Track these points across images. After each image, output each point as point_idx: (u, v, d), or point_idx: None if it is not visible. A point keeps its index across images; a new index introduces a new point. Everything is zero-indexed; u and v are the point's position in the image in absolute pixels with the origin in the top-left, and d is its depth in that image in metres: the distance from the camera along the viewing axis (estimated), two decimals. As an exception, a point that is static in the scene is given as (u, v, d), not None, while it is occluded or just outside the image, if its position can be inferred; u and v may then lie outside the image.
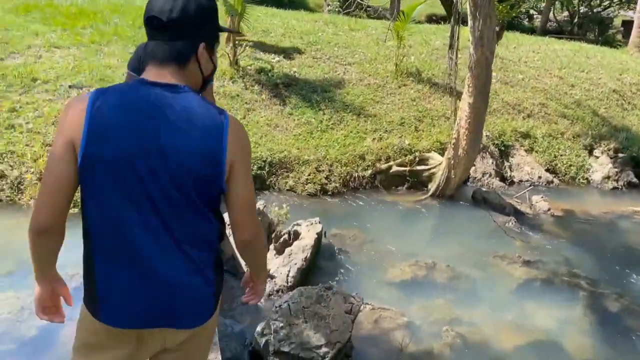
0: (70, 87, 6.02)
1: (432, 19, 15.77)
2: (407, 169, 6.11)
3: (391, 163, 6.13)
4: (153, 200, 1.36)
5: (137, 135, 1.33)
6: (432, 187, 5.99)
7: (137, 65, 2.82)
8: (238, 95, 6.69)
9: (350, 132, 6.50)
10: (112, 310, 1.44)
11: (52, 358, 3.07)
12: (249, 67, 7.32)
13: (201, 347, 1.67)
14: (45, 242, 1.41)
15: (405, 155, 6.25)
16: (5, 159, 4.83)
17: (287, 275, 3.86)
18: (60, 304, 1.56)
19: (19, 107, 5.45)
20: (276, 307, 3.04)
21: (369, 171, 6.04)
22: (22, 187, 4.70)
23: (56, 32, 7.52)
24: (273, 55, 7.96)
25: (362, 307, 3.31)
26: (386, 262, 4.47)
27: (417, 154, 6.27)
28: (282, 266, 3.92)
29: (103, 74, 6.40)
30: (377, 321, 3.56)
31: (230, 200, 1.46)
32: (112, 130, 1.32)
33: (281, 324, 2.93)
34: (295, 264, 3.92)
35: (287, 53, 8.12)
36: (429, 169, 6.11)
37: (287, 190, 5.64)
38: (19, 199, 4.66)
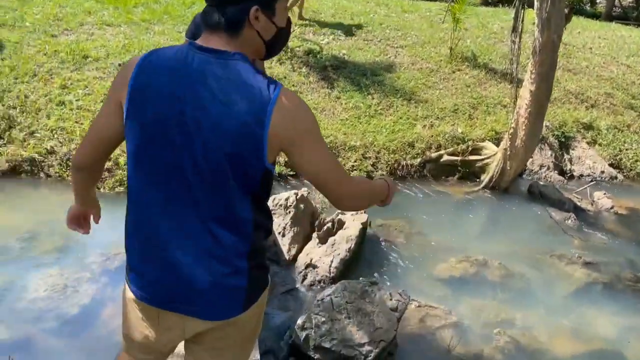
0: (119, 65, 6.03)
1: (487, 2, 15.09)
2: (459, 158, 5.82)
3: (442, 152, 5.86)
4: (184, 171, 1.28)
5: (174, 101, 1.25)
6: (485, 178, 5.68)
7: (194, 32, 2.78)
8: (285, 77, 6.55)
9: (400, 118, 6.25)
10: (134, 280, 1.44)
11: (92, 338, 3.06)
12: (297, 49, 7.15)
13: (233, 347, 1.53)
14: (80, 177, 1.55)
15: (458, 144, 5.95)
16: (55, 135, 4.87)
17: (330, 266, 3.72)
18: (89, 220, 1.73)
19: (70, 84, 5.50)
20: (318, 300, 2.90)
21: (418, 159, 5.78)
22: (70, 163, 4.73)
23: (108, 10, 7.58)
24: (322, 36, 7.76)
25: (408, 304, 3.12)
26: (434, 256, 4.25)
27: (470, 143, 5.96)
28: (324, 256, 3.78)
29: (152, 53, 6.37)
30: (424, 319, 3.37)
31: (308, 178, 1.36)
32: (151, 93, 1.27)
33: (323, 319, 2.79)
34: (339, 254, 3.77)
35: (337, 35, 7.89)
36: (483, 160, 5.79)
37: (333, 176, 5.47)
38: (67, 176, 4.70)
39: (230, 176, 1.26)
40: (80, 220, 1.70)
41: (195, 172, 1.27)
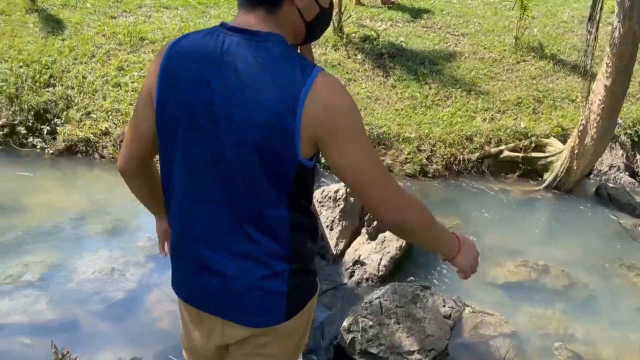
0: (175, 48, 6.03)
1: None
2: (521, 155, 5.47)
3: (502, 147, 5.52)
4: (214, 165, 1.16)
5: (202, 88, 1.13)
6: (548, 177, 5.32)
7: None
8: (339, 64, 6.37)
9: (458, 110, 5.94)
10: (175, 277, 1.38)
11: (135, 324, 3.05)
12: (353, 35, 6.94)
13: (274, 358, 1.38)
14: (130, 183, 1.41)
15: (520, 140, 5.59)
16: (110, 117, 4.92)
17: (379, 264, 3.55)
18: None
19: (126, 65, 5.54)
20: (366, 302, 2.75)
21: (476, 154, 5.48)
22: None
23: (166, -7, 7.60)
24: (379, 22, 7.50)
25: (462, 312, 2.92)
26: (490, 259, 4.00)
27: (533, 139, 5.58)
28: (374, 253, 3.62)
29: (207, 36, 6.34)
30: (478, 327, 3.16)
31: (342, 177, 1.17)
32: (180, 80, 1.16)
33: (370, 322, 2.64)
34: (389, 252, 3.60)
35: (395, 21, 7.61)
36: (547, 157, 5.43)
37: (385, 168, 5.27)
38: (120, 157, 4.74)
39: (261, 171, 1.13)
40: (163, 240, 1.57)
41: (225, 166, 1.15)
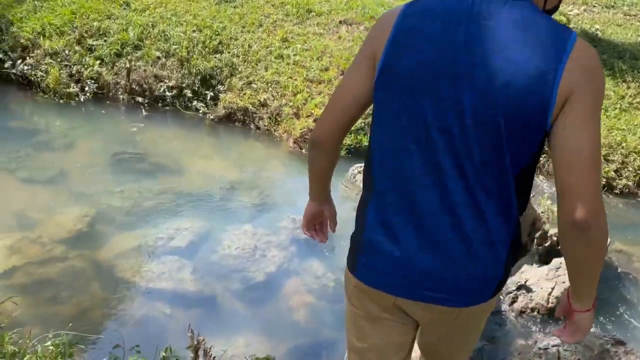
0: (340, 22, 5.81)
1: None
2: None
3: None
4: (449, 133, 1.08)
5: (445, 48, 1.06)
6: None
7: None
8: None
9: (663, 117, 4.92)
10: (369, 262, 1.24)
11: (272, 311, 2.90)
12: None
13: (464, 332, 1.32)
14: (316, 154, 1.35)
15: None
16: (270, 89, 4.85)
17: (549, 294, 2.98)
18: (326, 224, 1.53)
19: (291, 37, 5.44)
20: (540, 348, 2.25)
21: (682, 173, 4.48)
22: (279, 119, 4.67)
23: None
24: (570, 6, 6.52)
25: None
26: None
27: None
28: (544, 279, 3.05)
29: (375, 12, 6.03)
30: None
31: (558, 151, 1.03)
32: (418, 38, 1.09)
33: (544, 375, 2.14)
34: (563, 282, 2.99)
35: (590, 5, 6.56)
36: None
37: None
38: (274, 131, 4.66)
39: (502, 141, 1.05)
40: (316, 224, 1.52)
41: (462, 134, 1.07)
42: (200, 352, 2.01)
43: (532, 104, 1.02)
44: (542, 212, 3.55)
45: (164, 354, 1.83)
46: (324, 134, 1.29)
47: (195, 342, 2.03)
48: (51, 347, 1.69)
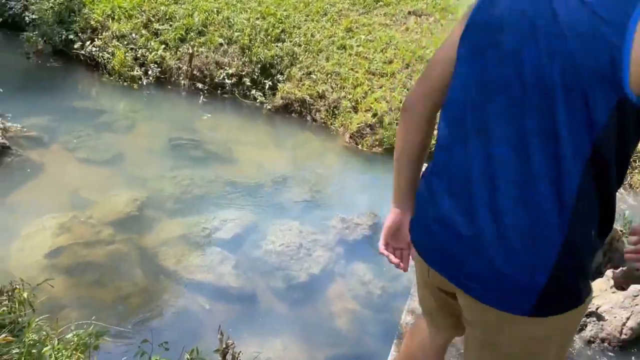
0: (409, 13, 5.54)
1: None
2: None
3: None
4: (509, 90, 0.99)
5: (530, 4, 0.98)
6: None
7: None
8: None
9: None
10: (415, 227, 1.18)
11: (312, 315, 2.75)
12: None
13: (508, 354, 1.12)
14: (407, 125, 1.22)
15: None
16: (329, 80, 4.69)
17: (624, 324, 2.64)
18: (407, 250, 1.31)
19: (355, 27, 5.24)
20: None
21: None
22: (336, 112, 4.50)
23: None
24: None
25: None
26: None
27: None
28: (619, 307, 2.71)
29: (447, 3, 5.71)
30: None
31: None
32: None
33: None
34: (642, 312, 2.65)
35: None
36: None
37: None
38: (331, 124, 4.49)
39: (587, 112, 0.92)
40: (395, 246, 1.31)
41: (522, 93, 0.97)
42: (229, 357, 1.90)
43: (604, 62, 0.90)
44: (617, 226, 3.17)
45: (188, 356, 1.72)
46: (417, 97, 1.20)
47: (224, 346, 1.92)
48: (74, 339, 1.62)
